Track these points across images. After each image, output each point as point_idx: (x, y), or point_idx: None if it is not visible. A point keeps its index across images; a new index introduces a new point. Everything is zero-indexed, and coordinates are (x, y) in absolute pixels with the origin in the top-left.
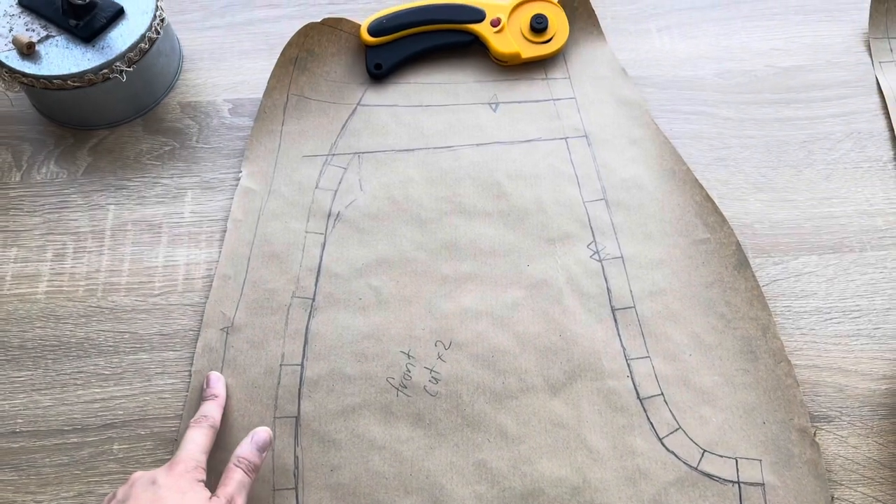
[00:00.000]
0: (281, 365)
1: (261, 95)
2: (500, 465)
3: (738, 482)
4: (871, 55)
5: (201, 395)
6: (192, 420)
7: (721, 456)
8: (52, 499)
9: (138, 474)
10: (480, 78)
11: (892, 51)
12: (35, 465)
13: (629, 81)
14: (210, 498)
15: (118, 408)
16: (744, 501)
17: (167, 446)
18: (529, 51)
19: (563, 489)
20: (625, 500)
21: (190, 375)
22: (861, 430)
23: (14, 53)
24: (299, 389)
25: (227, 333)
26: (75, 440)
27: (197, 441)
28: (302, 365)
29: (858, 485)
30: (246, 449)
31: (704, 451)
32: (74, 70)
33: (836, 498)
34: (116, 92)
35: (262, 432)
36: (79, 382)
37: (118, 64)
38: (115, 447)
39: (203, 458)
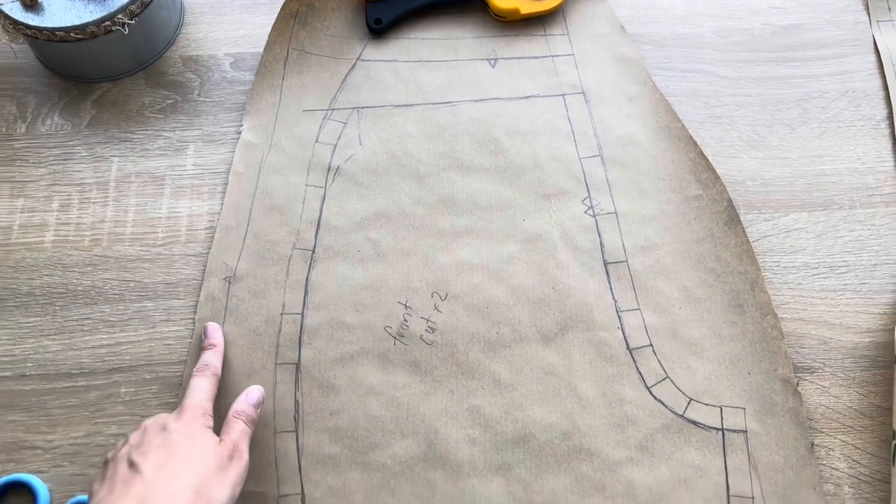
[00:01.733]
0: (282, 314)
1: (261, 50)
2: (493, 411)
3: (723, 429)
4: (868, 14)
5: (200, 346)
6: (194, 369)
7: (706, 404)
8: (62, 438)
9: (149, 421)
10: (480, 34)
11: (889, 10)
12: (45, 406)
13: (627, 38)
14: (218, 442)
15: (124, 353)
16: (727, 447)
17: (172, 390)
18: (528, 7)
19: (553, 434)
20: (612, 444)
21: (193, 323)
22: (843, 381)
23: (18, 5)
24: (300, 337)
25: (230, 283)
26: (83, 383)
27: (202, 389)
28: (302, 314)
29: (838, 432)
30: (242, 404)
31: (691, 399)
32: (77, 22)
33: (816, 444)
34: (118, 45)
35: (255, 390)
36: (86, 328)
37: (120, 16)
38: (121, 390)
39: (209, 406)
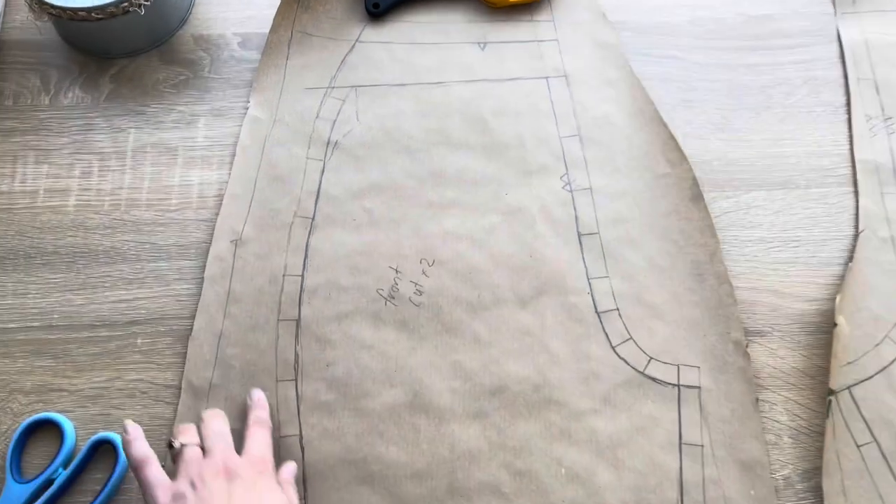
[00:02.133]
0: (284, 275)
1: (267, 30)
2: (473, 365)
3: (678, 385)
4: (834, 6)
5: (247, 406)
6: (250, 420)
7: (665, 363)
8: (86, 382)
9: (221, 466)
10: (471, 18)
11: (854, 2)
12: (70, 354)
13: (608, 25)
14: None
15: (141, 307)
16: (681, 401)
17: (183, 341)
18: None
19: (525, 386)
20: (578, 396)
21: (202, 281)
22: (789, 344)
23: None
24: (300, 296)
25: (236, 246)
26: (105, 334)
27: (264, 442)
28: (302, 276)
29: (782, 389)
30: (287, 473)
31: (651, 358)
32: (97, 3)
33: (761, 399)
34: (135, 24)
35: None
36: (106, 285)
37: None
38: (138, 341)
39: (271, 456)
